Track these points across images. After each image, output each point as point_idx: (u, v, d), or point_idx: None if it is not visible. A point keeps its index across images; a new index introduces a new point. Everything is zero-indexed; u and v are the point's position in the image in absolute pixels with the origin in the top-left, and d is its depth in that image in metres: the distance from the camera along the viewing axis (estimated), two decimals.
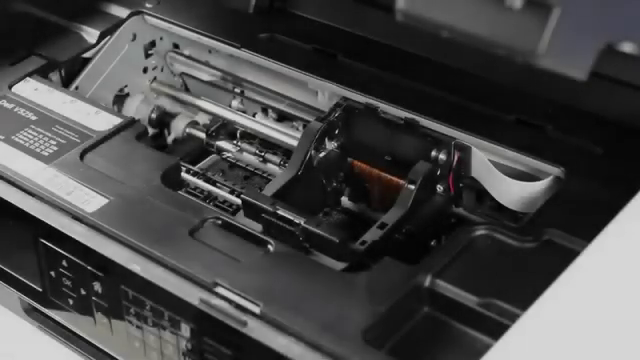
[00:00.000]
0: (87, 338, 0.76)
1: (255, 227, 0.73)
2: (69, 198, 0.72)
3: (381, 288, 0.63)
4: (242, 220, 0.74)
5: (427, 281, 0.63)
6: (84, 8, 0.92)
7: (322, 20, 0.91)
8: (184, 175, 0.82)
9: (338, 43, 0.87)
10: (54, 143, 0.78)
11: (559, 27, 0.49)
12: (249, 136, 0.87)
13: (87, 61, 0.89)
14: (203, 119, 0.90)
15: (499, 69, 0.79)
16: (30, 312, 0.81)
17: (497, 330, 0.57)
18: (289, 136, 0.85)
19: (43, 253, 0.72)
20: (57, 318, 0.77)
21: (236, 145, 0.86)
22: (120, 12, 0.92)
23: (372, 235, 0.72)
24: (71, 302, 0.73)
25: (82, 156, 0.76)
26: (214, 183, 0.83)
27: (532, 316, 0.53)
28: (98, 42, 0.89)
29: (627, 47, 0.51)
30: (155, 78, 0.93)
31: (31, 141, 0.78)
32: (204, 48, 0.91)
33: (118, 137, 0.79)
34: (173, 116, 0.91)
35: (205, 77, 0.92)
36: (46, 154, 0.76)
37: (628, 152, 0.73)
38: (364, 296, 0.63)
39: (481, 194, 0.78)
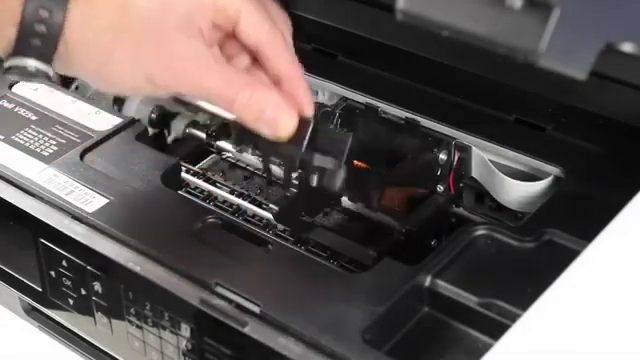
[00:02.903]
0: (87, 338, 0.76)
1: (255, 227, 0.73)
2: (69, 198, 0.72)
3: (381, 288, 0.63)
4: (242, 220, 0.74)
5: (427, 281, 0.63)
6: None
7: (322, 20, 0.91)
8: (184, 175, 0.81)
9: (338, 43, 0.87)
10: (54, 143, 0.78)
11: (559, 27, 0.49)
12: None
13: None
14: (203, 119, 0.90)
15: (499, 69, 0.79)
16: (30, 312, 0.81)
17: (497, 330, 0.57)
18: None
19: (43, 253, 0.72)
20: (57, 318, 0.77)
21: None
22: None
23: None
24: (71, 302, 0.73)
25: (82, 156, 0.76)
26: (214, 183, 0.83)
27: (532, 316, 0.53)
28: None
29: (627, 47, 0.51)
30: None
31: (31, 141, 0.78)
32: None
33: (118, 137, 0.79)
34: (173, 116, 0.91)
35: None
36: (46, 154, 0.76)
37: (628, 152, 0.73)
38: (364, 296, 0.63)
39: (481, 194, 0.78)
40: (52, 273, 0.72)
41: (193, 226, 0.69)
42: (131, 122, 0.80)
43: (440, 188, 0.77)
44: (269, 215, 0.76)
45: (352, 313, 0.61)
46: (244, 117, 0.65)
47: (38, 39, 0.61)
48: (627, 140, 0.75)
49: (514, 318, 0.58)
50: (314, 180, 0.68)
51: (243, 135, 0.68)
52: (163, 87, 0.64)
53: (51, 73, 0.63)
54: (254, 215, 0.78)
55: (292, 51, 0.67)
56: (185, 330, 0.65)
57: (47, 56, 0.62)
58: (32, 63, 0.62)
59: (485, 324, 0.61)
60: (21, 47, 0.61)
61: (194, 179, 0.82)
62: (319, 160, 0.67)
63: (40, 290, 0.75)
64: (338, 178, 0.68)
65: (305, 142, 0.66)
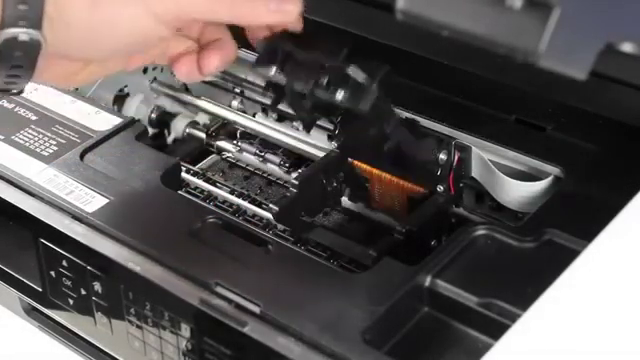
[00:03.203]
0: (87, 338, 0.76)
1: (255, 227, 0.73)
2: (69, 198, 0.72)
3: (381, 288, 0.63)
4: (242, 220, 0.74)
5: (427, 281, 0.63)
6: None
7: (322, 20, 0.91)
8: (184, 175, 0.81)
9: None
10: (54, 143, 0.78)
11: (559, 27, 0.49)
12: (249, 136, 0.87)
13: None
14: (203, 119, 0.90)
15: (499, 69, 0.79)
16: (30, 312, 0.81)
17: (497, 330, 0.57)
18: (289, 136, 0.85)
19: (43, 253, 0.72)
20: (57, 318, 0.77)
21: (236, 145, 0.87)
22: None
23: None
24: (71, 302, 0.73)
25: (82, 156, 0.76)
26: (214, 183, 0.83)
27: (532, 316, 0.53)
28: None
29: (627, 47, 0.51)
30: (155, 78, 0.93)
31: (31, 141, 0.78)
32: None
33: (118, 137, 0.79)
34: (173, 116, 0.91)
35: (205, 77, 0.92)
36: (46, 154, 0.76)
37: (628, 152, 0.73)
38: (364, 296, 0.63)
39: (481, 194, 0.78)
40: (52, 273, 0.72)
41: (193, 226, 0.69)
42: (131, 122, 0.80)
43: (440, 188, 0.77)
44: (269, 215, 0.76)
45: (352, 313, 0.61)
46: (253, 21, 0.67)
47: (23, 4, 0.60)
48: (627, 140, 0.75)
49: (514, 318, 0.58)
50: (340, 95, 0.67)
51: (270, 49, 0.68)
52: (167, 18, 0.63)
53: (43, 45, 0.61)
54: (254, 215, 0.78)
55: None
56: (185, 330, 0.65)
57: (36, 20, 0.61)
58: (22, 31, 0.60)
59: (485, 324, 0.61)
60: (7, 18, 0.60)
61: (194, 179, 0.82)
62: (353, 71, 0.66)
63: (40, 290, 0.75)
64: (368, 97, 0.67)
65: (342, 54, 0.66)
